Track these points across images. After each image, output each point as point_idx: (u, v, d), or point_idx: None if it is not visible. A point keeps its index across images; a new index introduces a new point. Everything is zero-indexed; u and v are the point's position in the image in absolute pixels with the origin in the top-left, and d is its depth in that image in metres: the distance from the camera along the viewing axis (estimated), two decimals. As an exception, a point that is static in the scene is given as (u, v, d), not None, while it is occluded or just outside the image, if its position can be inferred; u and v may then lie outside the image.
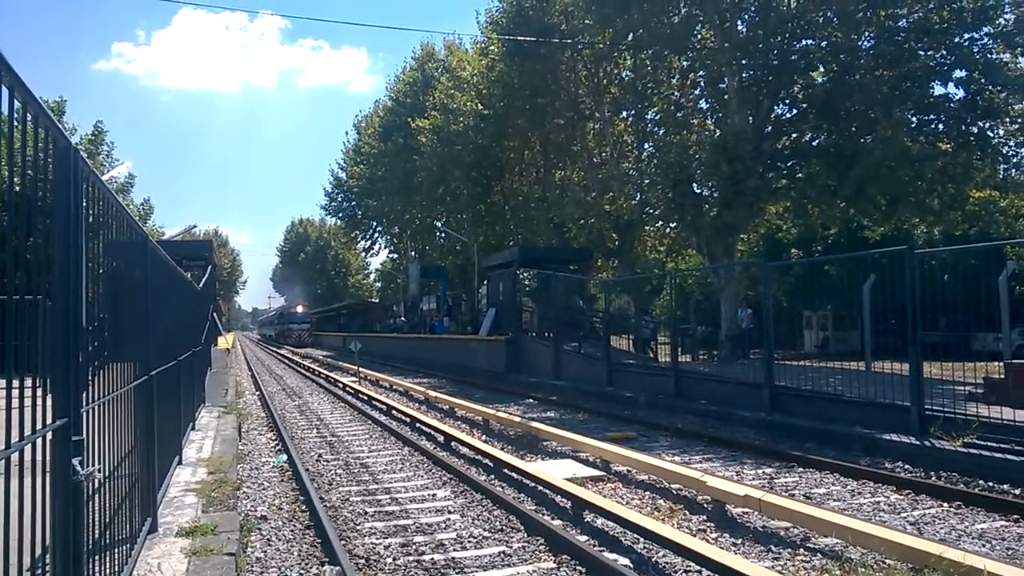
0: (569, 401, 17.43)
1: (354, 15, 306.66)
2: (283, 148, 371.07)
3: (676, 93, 28.22)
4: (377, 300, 75.13)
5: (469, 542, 6.39)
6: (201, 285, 15.66)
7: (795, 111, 23.76)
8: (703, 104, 28.08)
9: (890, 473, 8.81)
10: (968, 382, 11.20)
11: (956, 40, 19.95)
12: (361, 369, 26.66)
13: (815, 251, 33.39)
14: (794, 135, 23.90)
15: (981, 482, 8.38)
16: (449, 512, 7.46)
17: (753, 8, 23.26)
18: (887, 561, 5.43)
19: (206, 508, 6.38)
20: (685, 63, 26.54)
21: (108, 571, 3.73)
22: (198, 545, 5.21)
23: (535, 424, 12.27)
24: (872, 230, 29.65)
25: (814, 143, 23.21)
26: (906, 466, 9.30)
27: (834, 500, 7.76)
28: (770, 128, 23.47)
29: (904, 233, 28.55)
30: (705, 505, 7.45)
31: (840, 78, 21.24)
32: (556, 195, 34.42)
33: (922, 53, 20.49)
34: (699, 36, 25.17)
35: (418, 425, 13.54)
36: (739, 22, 23.78)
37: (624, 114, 31.99)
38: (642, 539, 6.19)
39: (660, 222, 32.18)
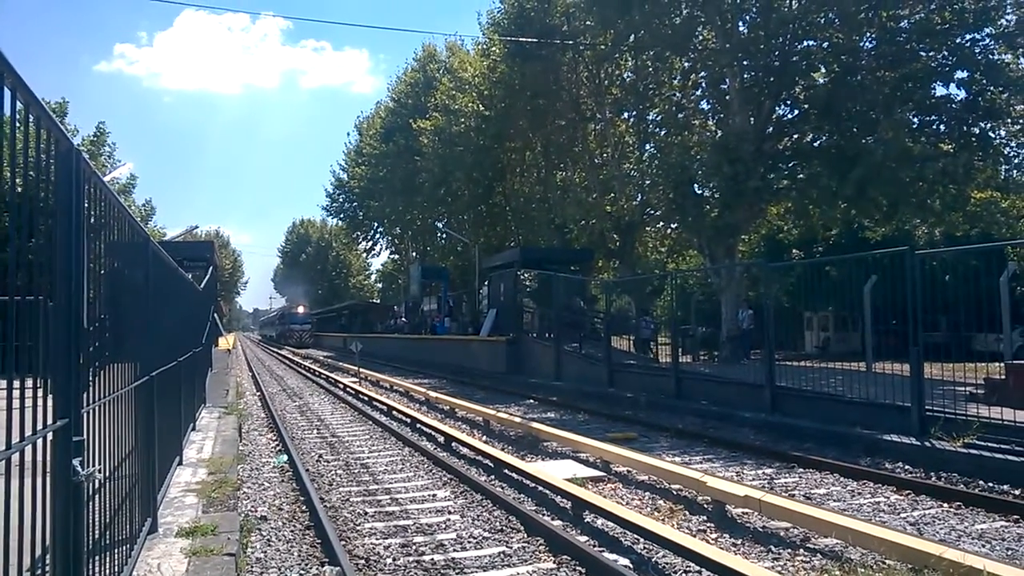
0: (570, 402, 17.43)
1: (356, 16, 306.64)
2: (285, 149, 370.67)
3: (677, 94, 28.23)
4: (378, 301, 75.22)
5: (469, 542, 6.40)
6: (202, 286, 15.68)
7: (796, 112, 23.76)
8: (704, 105, 28.10)
9: (890, 474, 8.81)
10: (969, 383, 11.20)
11: (957, 41, 19.94)
12: (362, 370, 26.67)
13: (816, 252, 33.38)
14: (795, 136, 23.90)
15: (981, 483, 8.37)
16: (449, 512, 7.47)
17: (754, 9, 23.27)
18: (887, 561, 5.43)
19: (206, 508, 6.40)
20: (686, 64, 26.55)
21: (108, 571, 3.74)
22: (198, 545, 5.22)
23: (535, 425, 12.28)
24: (873, 231, 29.64)
25: (815, 144, 23.20)
26: (906, 466, 9.30)
27: (834, 500, 7.76)
28: (771, 129, 23.47)
29: (905, 234, 28.53)
30: (705, 505, 7.46)
31: (841, 79, 21.24)
32: (557, 196, 34.44)
33: (923, 54, 20.49)
34: (700, 37, 25.18)
35: (418, 426, 13.55)
36: (740, 23, 23.79)
37: (625, 115, 32.02)
38: (642, 539, 6.19)
39: (661, 223, 32.22)
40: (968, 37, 19.95)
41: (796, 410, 12.61)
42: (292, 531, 6.89)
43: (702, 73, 26.20)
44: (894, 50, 20.58)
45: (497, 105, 34.09)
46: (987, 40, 19.97)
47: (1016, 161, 21.88)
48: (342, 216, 65.52)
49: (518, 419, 13.43)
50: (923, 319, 10.38)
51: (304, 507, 7.75)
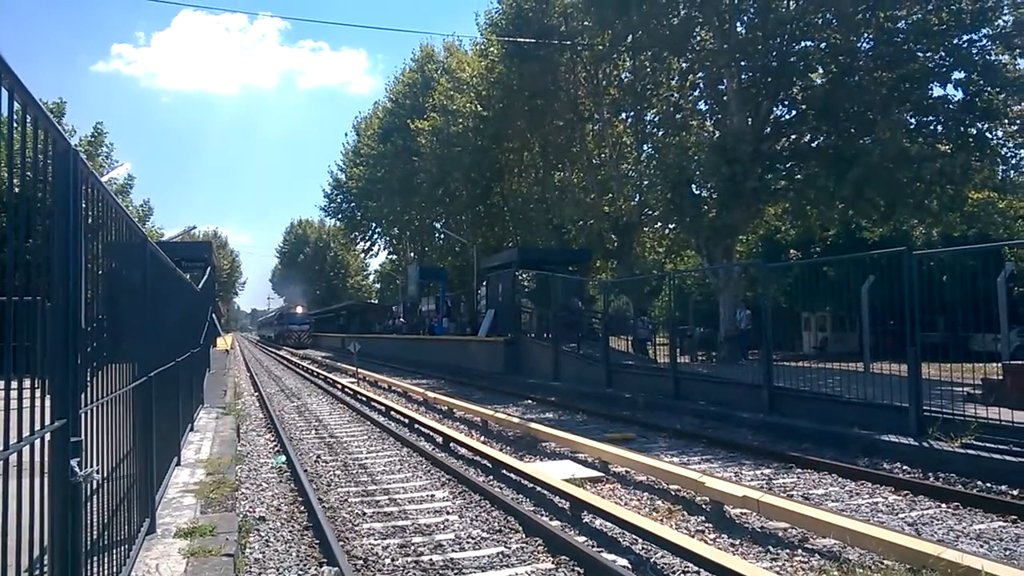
0: (568, 402, 17.43)
1: (354, 17, 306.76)
2: (283, 149, 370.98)
3: (675, 94, 28.28)
4: (376, 301, 75.16)
5: (468, 543, 6.40)
6: (200, 286, 15.68)
7: (794, 112, 23.80)
8: (702, 105, 28.17)
9: (888, 474, 8.82)
10: (966, 383, 11.21)
11: (955, 42, 19.99)
12: (360, 370, 26.65)
13: (814, 252, 33.42)
14: (793, 136, 23.93)
15: (979, 483, 8.39)
16: (448, 513, 7.46)
17: (752, 10, 23.30)
18: (885, 562, 5.44)
19: (204, 509, 6.39)
20: (684, 65, 26.60)
21: (106, 572, 3.73)
22: (196, 546, 5.21)
23: (534, 425, 12.28)
24: (871, 231, 29.70)
25: (813, 144, 23.24)
26: (904, 467, 9.31)
27: (832, 501, 7.77)
28: (769, 129, 23.51)
29: (903, 234, 28.58)
30: (704, 506, 7.46)
31: (839, 79, 21.27)
32: (555, 196, 34.47)
33: (921, 55, 20.53)
34: (698, 38, 25.22)
35: (417, 426, 13.54)
36: (738, 24, 23.83)
37: (623, 115, 32.05)
38: (640, 540, 6.20)
39: (659, 223, 32.26)
40: (965, 38, 20.01)
41: (794, 410, 12.62)
42: (290, 531, 6.88)
43: (700, 73, 26.25)
44: (892, 51, 20.62)
45: (495, 105, 34.10)
46: (984, 41, 20.03)
47: (1013, 162, 21.95)
48: (340, 216, 65.50)
49: (516, 419, 13.42)
50: (921, 319, 10.39)
51: (302, 507, 7.74)
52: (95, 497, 3.53)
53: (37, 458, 2.66)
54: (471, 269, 39.39)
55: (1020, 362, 11.94)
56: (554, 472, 8.67)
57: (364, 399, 18.84)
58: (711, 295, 27.27)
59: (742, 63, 23.12)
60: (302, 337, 70.82)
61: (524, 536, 6.55)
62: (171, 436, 7.78)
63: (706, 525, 6.91)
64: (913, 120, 21.41)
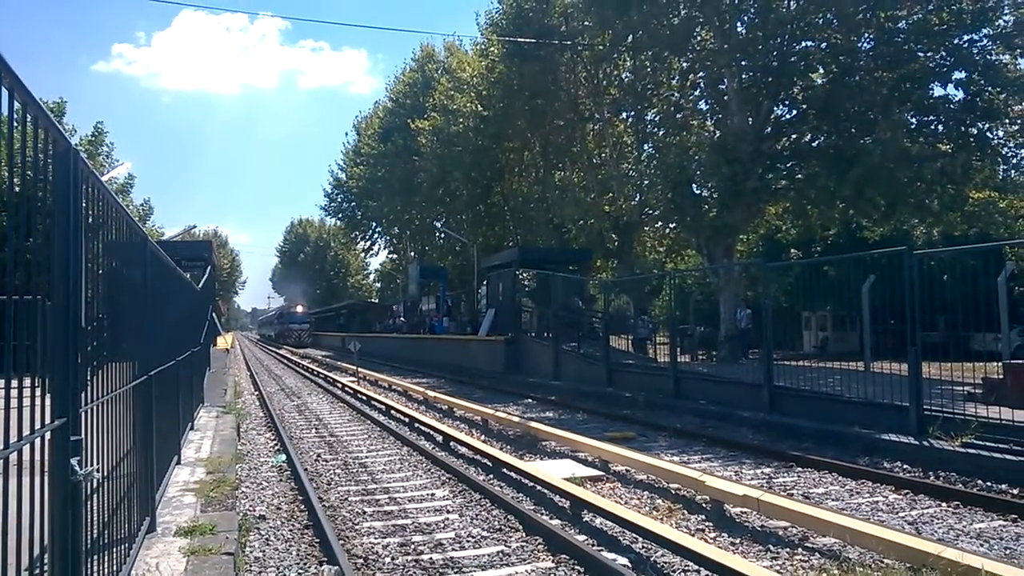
0: (568, 401, 17.44)
1: (354, 16, 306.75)
2: (283, 149, 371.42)
3: (676, 94, 28.27)
4: (376, 300, 75.16)
5: (468, 542, 6.40)
6: (200, 285, 15.68)
7: (795, 112, 23.78)
8: (703, 105, 28.16)
9: (889, 473, 8.82)
10: (967, 382, 11.19)
11: (956, 41, 19.98)
12: (360, 369, 26.66)
13: (814, 252, 33.41)
14: (794, 136, 23.92)
15: (979, 482, 8.39)
16: (448, 512, 7.47)
17: (753, 10, 23.28)
18: (885, 560, 5.44)
19: (205, 508, 6.39)
20: (685, 64, 26.58)
21: (106, 571, 3.74)
22: (196, 545, 5.22)
23: (534, 424, 12.28)
24: (871, 231, 29.69)
25: (813, 144, 23.23)
26: (905, 466, 9.31)
27: (832, 500, 7.77)
28: (770, 129, 23.49)
29: (903, 234, 28.56)
30: (704, 505, 7.46)
31: (840, 79, 21.26)
32: (556, 196, 34.47)
33: (921, 54, 20.52)
34: (699, 37, 25.20)
35: (417, 425, 13.55)
36: (739, 23, 23.81)
37: (624, 115, 32.04)
38: (641, 538, 6.20)
39: (659, 223, 32.25)
40: (966, 38, 20.00)
41: (794, 409, 12.62)
42: (290, 530, 6.88)
43: (700, 73, 26.24)
44: (892, 50, 20.60)
45: (495, 105, 34.09)
46: (985, 41, 20.01)
47: (1014, 161, 21.95)
48: (340, 216, 65.54)
49: (516, 418, 13.43)
50: (921, 319, 10.39)
51: (302, 506, 7.75)
52: (95, 496, 3.53)
53: (37, 457, 2.66)
54: (471, 268, 39.40)
55: (1020, 361, 11.94)
56: (554, 471, 8.67)
57: (364, 398, 18.85)
58: (711, 294, 27.26)
59: (743, 63, 23.11)
60: (302, 336, 70.82)
61: (524, 535, 6.55)
62: (171, 435, 7.79)
63: (706, 524, 6.91)
64: (914, 120, 21.39)
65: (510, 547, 6.21)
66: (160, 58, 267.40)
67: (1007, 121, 20.46)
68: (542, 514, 7.17)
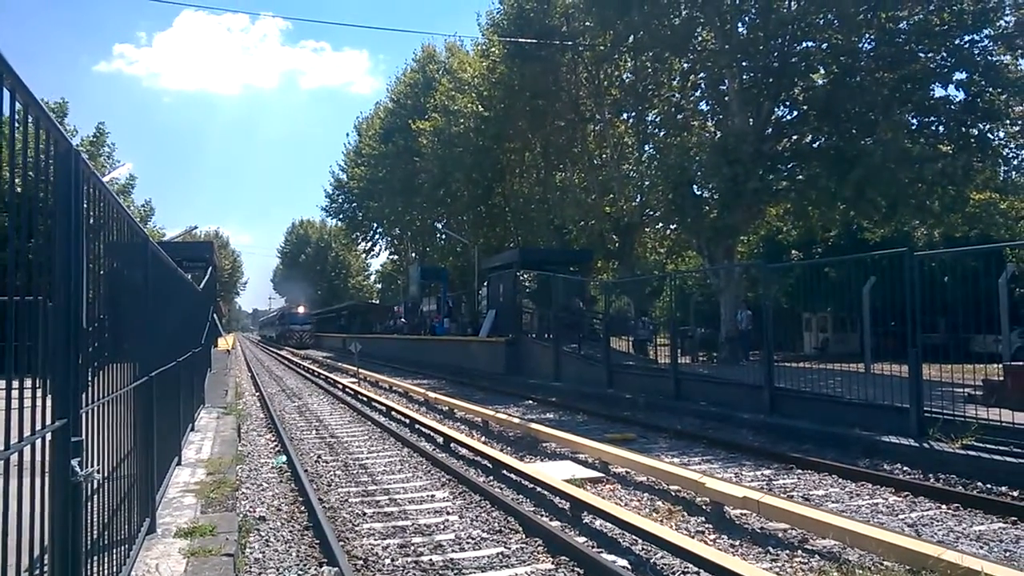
0: (569, 403, 17.43)
1: (355, 17, 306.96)
2: (284, 149, 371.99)
3: (677, 95, 28.27)
4: (377, 301, 75.16)
5: (468, 543, 6.40)
6: (201, 286, 15.68)
7: (795, 113, 23.79)
8: (703, 106, 28.17)
9: (889, 475, 8.81)
10: (967, 384, 11.20)
11: (956, 42, 19.98)
12: (361, 370, 26.66)
13: (815, 253, 33.41)
14: (794, 137, 23.92)
15: (979, 484, 8.38)
16: (448, 513, 7.47)
17: (754, 10, 23.29)
18: (885, 563, 5.44)
19: (205, 509, 6.40)
20: (686, 65, 26.59)
21: (106, 572, 3.74)
22: (196, 546, 5.22)
23: (534, 425, 12.28)
24: (872, 232, 29.68)
25: (814, 145, 23.23)
26: (905, 468, 9.31)
27: (833, 502, 7.77)
28: (770, 130, 23.49)
29: (904, 235, 28.56)
30: (704, 507, 7.46)
31: (840, 80, 21.26)
32: (556, 197, 34.46)
33: (922, 55, 20.52)
34: (700, 38, 25.20)
35: (417, 426, 13.55)
36: (740, 24, 23.81)
37: (625, 116, 32.04)
38: (640, 540, 6.20)
39: (660, 224, 32.26)
40: (967, 38, 20.00)
41: (795, 411, 12.62)
42: (291, 531, 6.89)
43: (701, 74, 26.25)
44: (893, 51, 20.60)
45: (496, 106, 34.10)
46: (986, 41, 20.02)
47: (1015, 162, 21.96)
48: (341, 217, 65.52)
49: (517, 420, 13.43)
50: (922, 320, 10.38)
51: (303, 507, 7.75)
52: (95, 497, 3.54)
53: (38, 458, 2.66)
54: (472, 269, 39.41)
55: (1021, 363, 11.93)
56: (554, 472, 8.67)
57: (365, 399, 18.85)
58: (712, 296, 27.25)
59: (743, 63, 23.11)
60: (304, 337, 70.78)
61: (524, 536, 6.55)
62: (172, 436, 7.79)
63: (706, 526, 6.91)
64: (915, 121, 21.39)
65: (510, 549, 6.21)
66: (161, 58, 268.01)
67: (1008, 122, 20.46)
68: (542, 516, 7.17)
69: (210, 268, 23.72)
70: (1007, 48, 19.87)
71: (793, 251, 35.80)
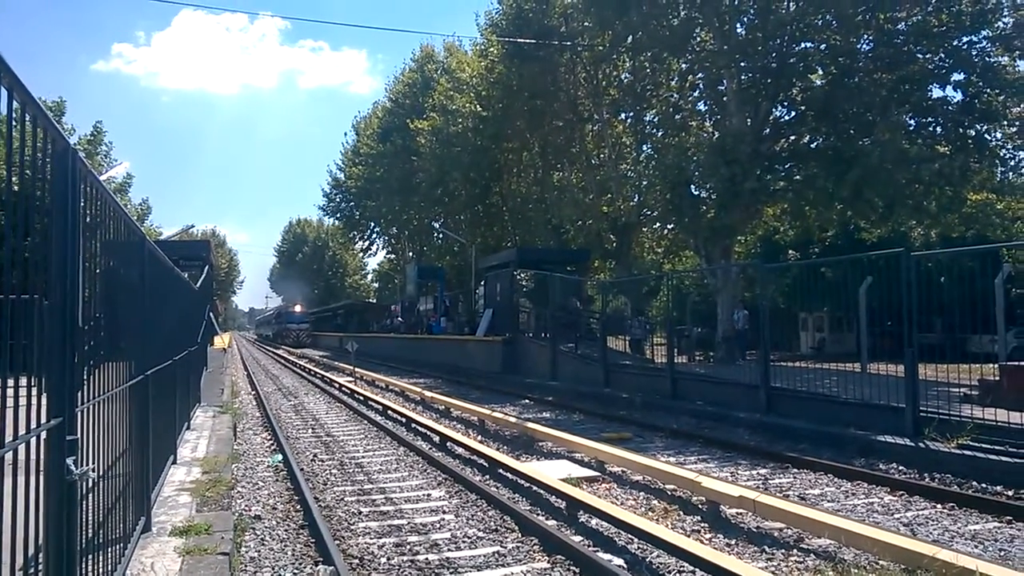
0: (565, 402, 17.45)
1: (354, 16, 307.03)
2: (282, 149, 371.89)
3: (675, 95, 28.28)
4: (374, 300, 75.08)
5: (464, 542, 6.40)
6: (198, 285, 15.68)
7: (793, 113, 23.81)
8: (702, 106, 28.16)
9: (884, 474, 8.83)
10: (963, 384, 11.23)
11: (954, 43, 20.00)
12: (357, 369, 26.65)
13: (812, 253, 33.46)
14: (792, 137, 23.94)
15: (975, 484, 8.41)
16: (444, 512, 7.47)
17: (752, 11, 23.30)
18: (880, 562, 5.45)
19: (200, 508, 6.40)
20: (684, 65, 26.59)
21: (101, 570, 3.74)
22: (192, 544, 5.22)
23: (531, 425, 12.29)
24: (869, 232, 29.71)
25: (812, 145, 23.25)
26: (900, 467, 9.33)
27: (828, 501, 7.78)
28: (768, 130, 23.51)
29: (901, 235, 28.58)
30: (700, 506, 7.47)
31: (838, 81, 21.28)
32: (554, 196, 34.47)
33: (920, 56, 20.54)
34: (698, 39, 25.21)
35: (414, 425, 13.55)
36: (738, 25, 23.83)
37: (623, 116, 32.06)
38: (636, 539, 6.21)
39: (658, 223, 32.25)
40: (965, 39, 20.01)
41: (791, 411, 12.64)
42: (286, 530, 6.88)
43: (699, 74, 26.24)
44: (891, 52, 20.62)
45: (495, 106, 34.10)
46: (984, 43, 20.03)
47: (1012, 163, 21.96)
48: (339, 216, 65.49)
49: (513, 419, 13.44)
50: (918, 320, 10.40)
51: (298, 506, 7.75)
52: (91, 495, 3.54)
53: (33, 456, 2.66)
54: (469, 269, 39.41)
55: (1017, 363, 11.96)
56: (551, 472, 8.68)
57: (361, 398, 18.84)
58: (709, 295, 27.28)
59: (742, 64, 23.13)
60: (301, 336, 70.67)
61: (520, 535, 6.56)
62: (167, 434, 7.79)
63: (702, 525, 6.92)
64: (912, 121, 21.41)
65: (506, 548, 6.22)
66: (160, 58, 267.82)
67: (1005, 123, 20.48)
68: (538, 515, 7.17)
69: (207, 267, 23.71)
70: (1005, 49, 19.89)
71: (790, 251, 35.85)
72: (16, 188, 2.87)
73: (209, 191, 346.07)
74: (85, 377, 3.54)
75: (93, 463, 3.51)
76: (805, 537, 6.35)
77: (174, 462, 8.19)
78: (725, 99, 24.39)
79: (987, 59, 19.90)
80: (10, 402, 2.46)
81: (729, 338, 22.33)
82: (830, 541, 6.01)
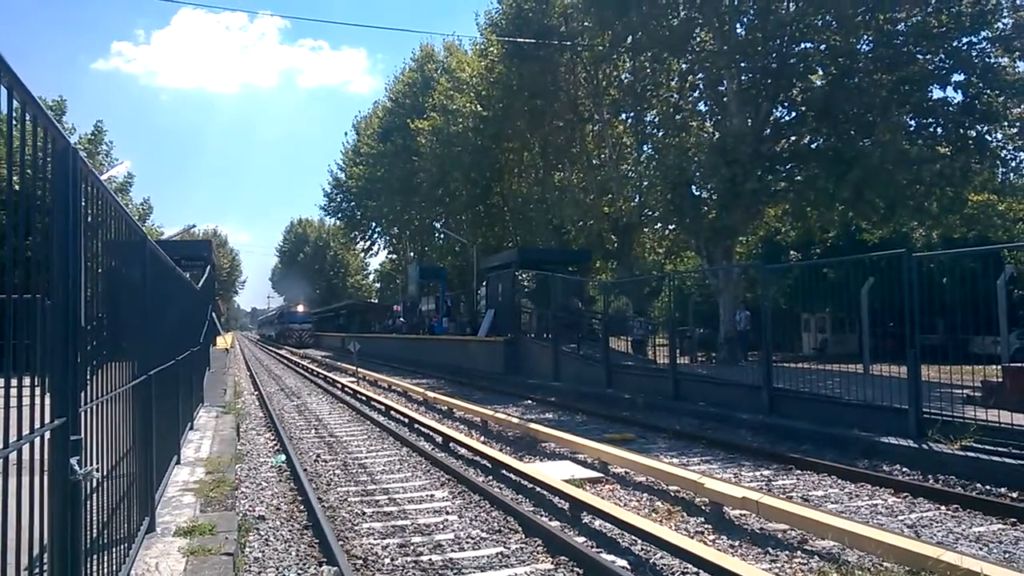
0: (568, 402, 17.43)
1: (354, 16, 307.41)
2: (283, 148, 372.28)
3: (675, 95, 28.26)
4: (376, 301, 75.11)
5: (467, 543, 6.39)
6: (200, 285, 15.67)
7: (794, 114, 23.78)
8: (702, 106, 28.13)
9: (888, 476, 8.82)
10: (966, 385, 11.21)
11: (955, 44, 19.98)
12: (360, 370, 26.65)
13: (814, 254, 33.42)
14: (793, 138, 23.92)
15: (978, 485, 8.39)
16: (447, 513, 7.46)
17: (752, 11, 23.29)
18: (884, 564, 5.43)
19: (204, 508, 6.38)
20: (684, 66, 26.58)
21: (106, 571, 3.73)
22: (196, 545, 5.21)
23: (533, 425, 12.28)
24: (871, 233, 29.68)
25: (813, 146, 23.23)
26: (904, 469, 9.31)
27: (832, 502, 7.77)
28: (769, 131, 23.49)
29: (902, 236, 28.58)
30: (703, 507, 7.46)
31: (839, 81, 21.26)
32: (555, 196, 34.48)
33: (921, 57, 20.52)
34: (698, 39, 25.20)
35: (416, 426, 13.54)
36: (738, 25, 23.82)
37: (623, 116, 32.05)
38: (640, 541, 6.20)
39: (659, 224, 32.26)
40: (965, 40, 20.00)
41: (794, 412, 12.62)
42: (290, 531, 6.88)
43: (700, 75, 26.22)
44: (891, 53, 20.61)
45: (495, 105, 34.11)
46: (984, 43, 20.01)
47: (1013, 164, 21.95)
48: (340, 216, 65.57)
49: (516, 420, 13.42)
50: (920, 321, 10.39)
51: (302, 507, 7.74)
52: (95, 495, 3.52)
53: (37, 456, 2.65)
54: (471, 269, 39.39)
55: (1019, 364, 11.94)
56: (554, 472, 8.67)
57: (364, 398, 18.84)
58: (711, 296, 27.26)
59: (742, 64, 23.11)
60: (303, 336, 70.67)
61: (523, 536, 6.55)
62: (171, 434, 7.78)
63: (705, 526, 6.91)
64: (913, 122, 21.39)
65: (509, 548, 6.21)
66: (159, 56, 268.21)
67: (1006, 124, 20.45)
68: (541, 516, 7.16)
69: (208, 267, 23.69)
70: (1005, 50, 19.86)
71: (792, 252, 35.81)
72: (17, 188, 2.86)
73: (209, 191, 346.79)
74: (88, 377, 3.53)
75: (97, 463, 3.50)
76: (809, 539, 6.33)
77: (178, 462, 8.18)
78: (725, 99, 24.37)
79: (987, 60, 19.89)
80: (13, 402, 2.45)
81: (731, 339, 22.31)
82: (834, 543, 5.99)
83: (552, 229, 35.16)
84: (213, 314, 22.95)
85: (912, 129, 21.28)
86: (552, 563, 5.81)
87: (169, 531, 5.55)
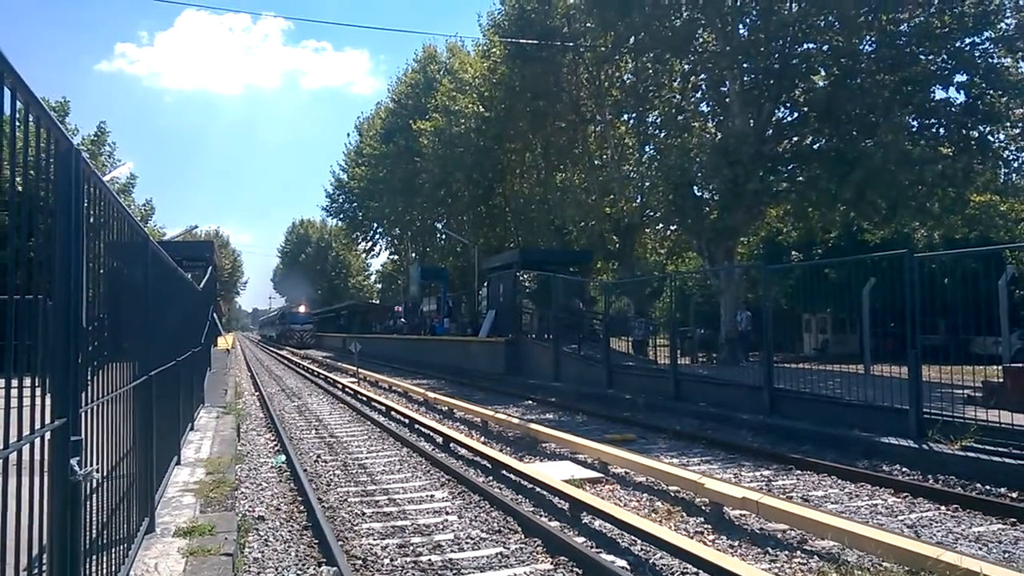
0: (568, 403, 17.43)
1: (357, 17, 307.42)
2: (285, 149, 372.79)
3: (677, 96, 28.26)
4: (377, 301, 75.15)
5: (467, 543, 6.40)
6: (201, 286, 15.68)
7: (796, 115, 23.78)
8: (704, 107, 28.15)
9: (888, 476, 8.82)
10: (967, 386, 11.20)
11: (957, 44, 19.97)
12: (360, 370, 26.66)
13: (815, 254, 33.41)
14: (795, 138, 23.91)
15: (979, 485, 8.39)
16: (447, 513, 7.47)
17: (754, 12, 23.29)
18: (884, 564, 5.44)
19: (204, 508, 6.40)
20: (686, 66, 26.57)
21: (105, 571, 3.74)
22: (195, 545, 5.22)
23: (534, 426, 12.28)
24: (872, 233, 29.66)
25: (815, 146, 23.22)
26: (904, 469, 9.31)
27: (832, 503, 7.77)
28: (771, 131, 23.49)
29: (904, 237, 28.56)
30: (703, 507, 7.46)
31: (841, 82, 21.25)
32: (557, 197, 34.47)
33: (923, 57, 20.50)
34: (700, 40, 25.20)
35: (417, 426, 13.55)
36: (740, 26, 23.81)
37: (625, 117, 32.05)
38: (639, 541, 6.20)
39: (660, 224, 32.27)
40: (968, 41, 19.98)
41: (794, 412, 12.62)
42: (290, 531, 6.89)
43: (702, 75, 26.22)
44: (894, 53, 20.59)
45: (497, 106, 34.12)
46: (987, 44, 19.99)
47: (1015, 165, 21.89)
48: (342, 216, 65.59)
49: (516, 420, 13.43)
50: (922, 322, 10.39)
51: (302, 507, 7.75)
52: (95, 496, 3.54)
53: (37, 457, 2.66)
54: (472, 269, 39.41)
55: (1020, 365, 11.93)
56: (554, 473, 8.67)
57: (364, 399, 18.85)
58: (712, 296, 27.25)
59: (744, 65, 23.10)
60: (304, 337, 70.70)
61: (523, 536, 6.56)
62: (171, 435, 7.79)
63: (705, 526, 6.91)
64: (915, 123, 21.38)
65: (509, 549, 6.22)
66: (163, 58, 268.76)
67: (1008, 124, 20.43)
68: (541, 516, 7.17)
69: (210, 267, 23.73)
70: (1008, 51, 19.85)
71: (793, 252, 35.79)
72: (20, 189, 2.87)
73: (212, 192, 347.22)
74: (89, 378, 3.54)
75: (97, 464, 3.52)
76: (809, 539, 6.34)
77: (178, 463, 8.20)
78: (728, 100, 24.38)
79: (990, 60, 19.87)
80: (14, 402, 2.46)
81: (732, 339, 22.31)
82: (834, 543, 6.00)
83: (554, 230, 35.17)
84: (214, 315, 22.98)
85: (914, 130, 21.28)
86: (552, 563, 5.82)
87: (169, 531, 5.57)
